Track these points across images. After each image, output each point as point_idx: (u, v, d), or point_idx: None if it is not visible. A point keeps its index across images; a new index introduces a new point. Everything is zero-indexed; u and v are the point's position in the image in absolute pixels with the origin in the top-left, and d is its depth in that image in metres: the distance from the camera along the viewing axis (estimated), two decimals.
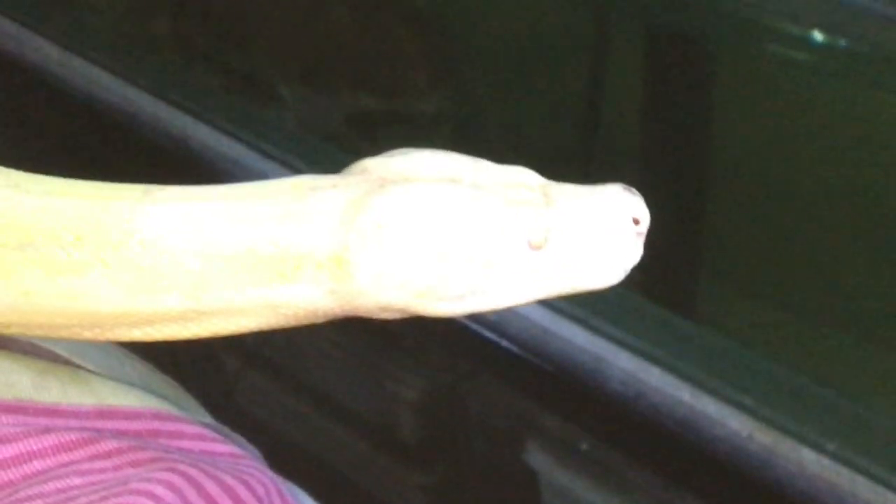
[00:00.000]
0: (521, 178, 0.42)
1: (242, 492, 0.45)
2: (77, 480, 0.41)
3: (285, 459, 0.53)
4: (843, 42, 0.78)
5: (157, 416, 0.48)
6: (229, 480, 0.45)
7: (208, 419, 0.53)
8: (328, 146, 1.09)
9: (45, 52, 1.22)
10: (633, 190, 0.42)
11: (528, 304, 0.42)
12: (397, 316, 0.42)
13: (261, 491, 0.46)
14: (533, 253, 0.41)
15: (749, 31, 0.85)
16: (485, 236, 0.40)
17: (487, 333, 0.93)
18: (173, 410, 0.49)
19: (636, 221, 0.41)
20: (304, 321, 0.42)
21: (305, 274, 0.40)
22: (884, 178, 0.87)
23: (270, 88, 1.21)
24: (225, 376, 1.18)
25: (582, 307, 0.90)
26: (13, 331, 0.43)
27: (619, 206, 0.41)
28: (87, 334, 0.42)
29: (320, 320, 0.42)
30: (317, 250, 0.40)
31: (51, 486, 0.41)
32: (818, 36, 0.78)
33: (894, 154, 0.86)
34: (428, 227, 0.40)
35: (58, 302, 0.40)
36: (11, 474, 0.41)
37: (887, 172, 0.86)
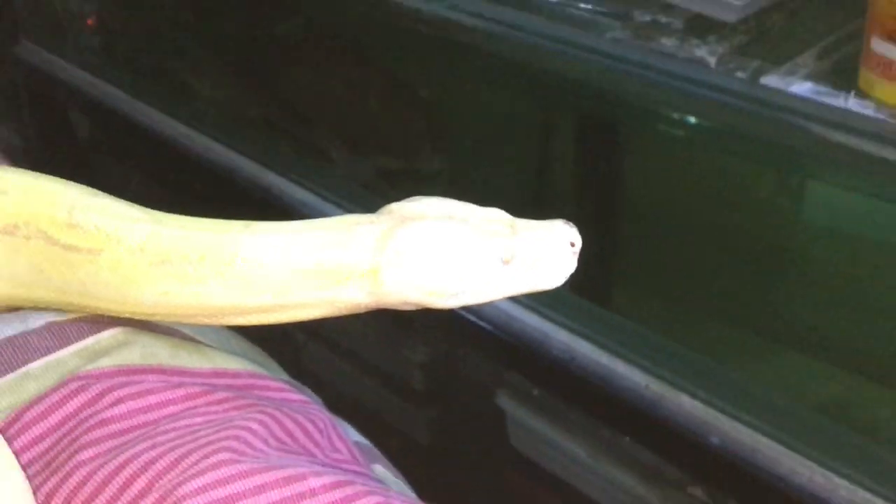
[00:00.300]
0: (496, 216, 0.43)
1: (309, 426, 0.45)
2: (199, 419, 0.41)
3: (334, 402, 0.53)
4: (705, 123, 0.79)
5: (252, 375, 0.48)
6: (301, 419, 0.45)
7: (285, 376, 0.53)
8: (365, 192, 1.10)
9: (174, 128, 1.23)
10: (571, 223, 0.42)
11: (501, 300, 0.43)
12: (413, 308, 0.42)
13: (321, 425, 0.46)
14: (504, 266, 0.41)
15: (645, 116, 0.85)
16: (471, 255, 0.41)
17: (470, 317, 0.93)
18: (262, 371, 0.49)
19: (572, 244, 0.42)
20: (352, 312, 0.42)
21: (352, 282, 0.41)
22: (737, 216, 0.87)
23: (325, 152, 1.21)
24: (294, 346, 1.18)
25: (534, 301, 0.90)
26: (157, 319, 0.43)
27: (561, 234, 0.42)
28: (207, 321, 0.43)
29: (362, 311, 0.42)
30: (359, 266, 0.40)
31: (181, 423, 0.41)
32: (691, 119, 0.78)
33: (733, 195, 0.85)
34: (434, 250, 0.40)
35: (188, 301, 0.41)
36: (154, 415, 0.42)
37: (741, 212, 0.86)
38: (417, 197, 0.43)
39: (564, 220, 0.42)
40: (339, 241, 0.41)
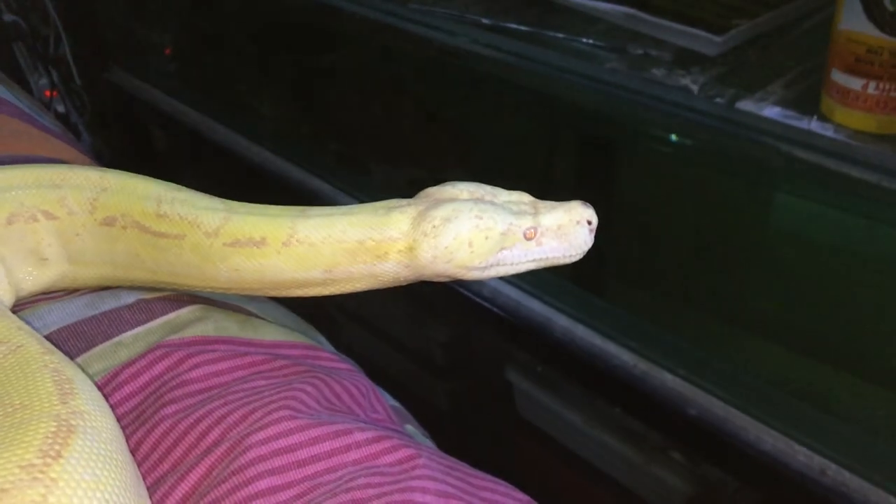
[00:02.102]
0: (520, 197, 0.42)
1: (354, 391, 0.45)
2: (262, 382, 0.42)
3: (368, 373, 0.53)
4: (688, 141, 0.78)
5: (306, 347, 0.48)
6: (347, 384, 0.45)
7: (332, 349, 0.53)
8: (397, 197, 1.09)
9: (239, 142, 1.23)
10: (588, 204, 0.42)
11: (525, 272, 0.41)
12: (447, 279, 0.41)
13: (363, 389, 0.47)
14: (528, 242, 0.40)
15: (637, 135, 0.84)
16: (497, 231, 0.40)
17: (485, 303, 0.91)
18: (314, 343, 0.49)
19: (589, 222, 0.41)
20: (393, 284, 0.42)
21: (392, 256, 0.40)
22: (714, 221, 0.86)
23: (364, 165, 1.21)
24: (337, 326, 1.18)
25: (539, 289, 0.89)
26: (232, 292, 0.44)
27: (579, 212, 0.41)
28: (273, 293, 0.43)
29: (402, 283, 0.42)
30: (398, 242, 0.40)
31: (248, 384, 0.41)
32: (674, 137, 0.78)
33: (711, 204, 0.84)
34: (463, 227, 0.39)
35: (254, 275, 0.41)
36: (225, 378, 0.42)
37: (717, 218, 0.85)
38: (452, 182, 0.43)
39: (582, 202, 0.41)
40: (379, 222, 0.40)
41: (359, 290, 0.42)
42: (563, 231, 0.40)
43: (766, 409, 0.74)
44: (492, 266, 0.40)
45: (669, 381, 0.78)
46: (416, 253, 0.39)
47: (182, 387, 0.41)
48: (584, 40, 0.85)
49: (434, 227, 0.39)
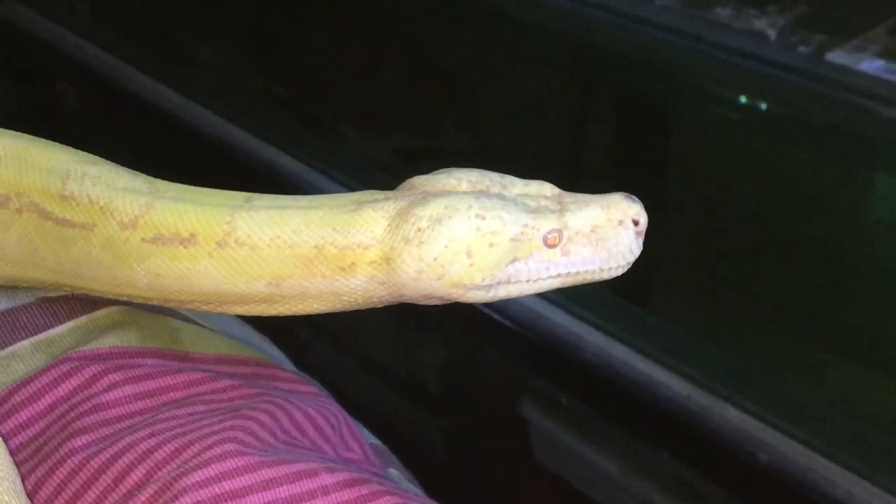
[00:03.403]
0: (540, 189, 0.40)
1: (321, 420, 0.46)
2: (202, 407, 0.42)
3: (342, 405, 0.52)
4: (763, 104, 0.78)
5: (258, 363, 0.48)
6: (311, 411, 0.46)
7: (293, 368, 0.54)
8: (380, 173, 1.09)
9: (170, 98, 1.23)
10: (634, 197, 0.40)
11: (547, 291, 0.40)
12: (438, 303, 0.40)
13: (333, 420, 0.47)
14: (550, 250, 0.38)
15: (694, 95, 0.85)
16: (506, 237, 0.38)
17: (493, 314, 0.92)
18: (270, 360, 0.50)
19: (636, 222, 0.39)
20: (365, 305, 0.41)
21: (361, 269, 0.39)
22: (795, 211, 0.87)
23: (337, 130, 1.21)
24: (299, 343, 1.18)
25: (564, 296, 0.89)
26: (154, 302, 0.44)
27: (622, 210, 0.39)
28: (204, 307, 0.43)
29: (377, 305, 0.41)
30: (369, 251, 0.38)
31: (182, 410, 0.42)
32: (743, 99, 0.78)
33: (791, 188, 0.85)
34: (459, 230, 0.38)
35: (179, 282, 0.40)
36: (153, 401, 0.42)
37: (799, 207, 0.86)
38: (448, 168, 0.41)
39: (625, 194, 0.40)
40: (345, 221, 0.39)
41: (316, 311, 0.41)
42: (600, 235, 0.39)
43: (861, 456, 0.74)
44: (500, 284, 0.39)
45: (735, 417, 0.79)
46: (394, 266, 0.38)
47: (96, 412, 0.41)
48: None
49: (420, 230, 0.38)
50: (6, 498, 0.32)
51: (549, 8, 0.85)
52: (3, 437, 0.40)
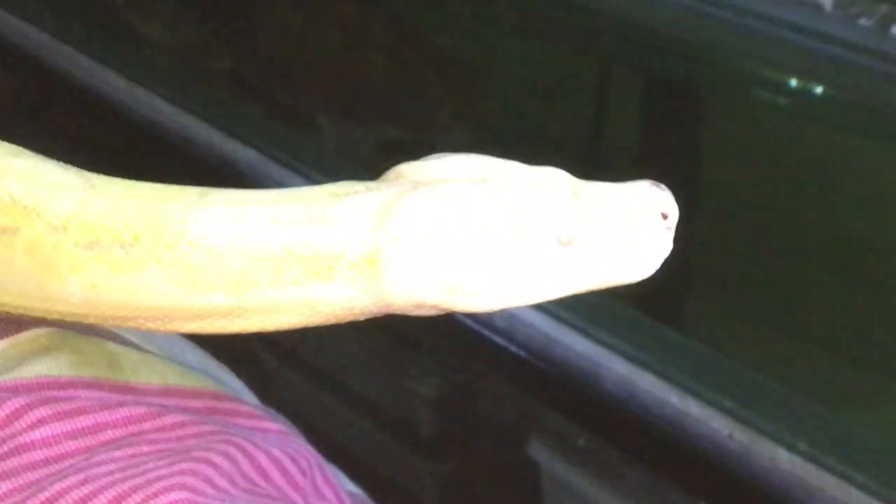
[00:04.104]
0: (551, 177, 0.39)
1: (288, 464, 0.45)
2: (146, 448, 0.41)
3: (316, 446, 0.51)
4: (818, 87, 0.78)
5: (214, 396, 0.47)
6: (277, 453, 0.45)
7: (255, 400, 0.53)
8: (360, 171, 1.09)
9: (114, 83, 1.22)
10: (662, 186, 0.39)
11: (560, 298, 0.39)
12: (432, 313, 0.39)
13: (304, 464, 0.46)
14: (563, 248, 0.38)
15: (736, 77, 0.84)
16: (512, 233, 0.37)
17: (497, 338, 0.91)
18: (228, 392, 0.49)
19: (665, 216, 0.38)
20: (344, 318, 0.40)
21: (339, 273, 0.38)
22: (853, 214, 0.86)
23: (311, 119, 1.21)
24: (264, 373, 1.18)
25: (581, 317, 0.89)
26: (90, 320, 0.42)
27: (648, 202, 0.38)
28: (150, 325, 0.41)
29: (359, 318, 0.40)
30: (348, 251, 0.37)
31: (122, 452, 0.41)
32: (794, 82, 0.77)
33: (853, 187, 0.85)
34: (455, 226, 0.37)
35: (120, 296, 0.39)
36: (88, 441, 0.41)
37: (858, 210, 0.85)
38: (441, 154, 0.40)
39: (652, 182, 0.39)
40: (320, 218, 0.38)
41: (287, 326, 0.40)
42: (623, 230, 0.38)
43: None
44: (504, 290, 0.38)
45: (785, 460, 0.79)
46: (379, 269, 0.37)
47: (20, 454, 0.40)
48: None
49: (410, 225, 0.37)
50: None
51: None
52: None
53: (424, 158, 0.40)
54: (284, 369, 1.19)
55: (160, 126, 1.17)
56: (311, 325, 0.40)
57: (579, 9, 0.88)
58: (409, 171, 0.40)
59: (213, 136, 1.13)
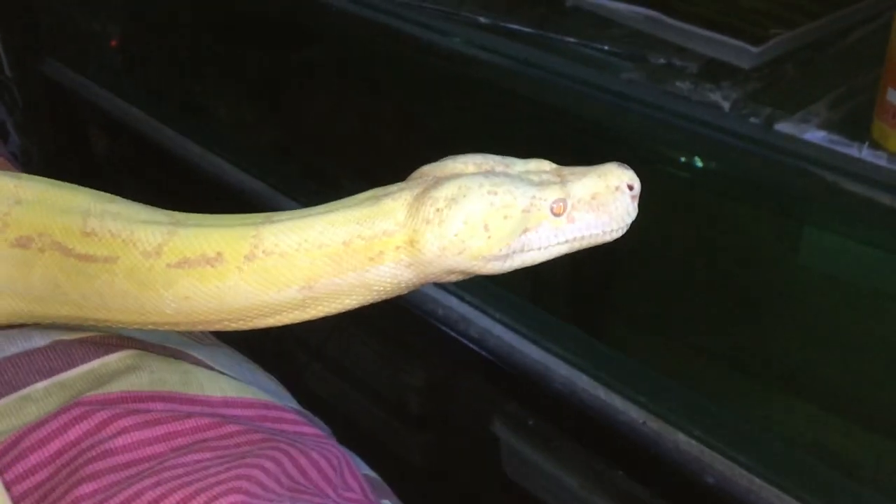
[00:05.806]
0: (540, 166, 0.38)
1: (323, 463, 0.40)
2: (208, 454, 0.37)
3: (331, 419, 0.49)
4: (716, 167, 0.75)
5: (265, 405, 0.43)
6: (314, 455, 0.40)
7: (296, 405, 0.48)
8: None
9: (190, 148, 1.19)
10: (626, 165, 0.38)
11: (557, 256, 0.38)
12: (461, 278, 0.37)
13: (335, 462, 0.42)
14: (557, 219, 0.37)
15: (654, 159, 0.82)
16: (518, 209, 0.36)
17: (471, 345, 0.88)
18: (275, 401, 0.44)
19: (630, 187, 0.37)
20: (394, 293, 0.37)
21: (388, 256, 0.36)
22: (740, 260, 0.83)
23: (335, 179, 1.19)
24: (297, 365, 1.15)
25: (537, 332, 0.86)
26: (181, 328, 0.39)
27: (617, 177, 0.37)
28: (234, 325, 0.38)
29: (404, 291, 0.37)
30: (393, 237, 0.36)
31: (189, 457, 0.36)
32: (699, 162, 0.75)
33: (748, 245, 0.82)
34: (474, 207, 0.35)
35: (209, 302, 0.36)
36: (160, 447, 0.37)
37: (744, 257, 0.82)
38: (452, 156, 0.39)
39: (618, 163, 0.38)
40: (367, 215, 0.36)
41: (349, 307, 0.37)
42: (600, 201, 0.37)
43: (798, 479, 0.70)
44: (515, 253, 0.36)
45: (684, 442, 0.75)
46: (418, 247, 0.35)
47: (104, 458, 0.35)
48: (598, 46, 0.83)
49: (438, 210, 0.35)
50: None
51: (530, 80, 0.84)
52: (9, 483, 0.34)
53: (440, 160, 0.39)
54: (314, 364, 1.15)
55: (223, 181, 1.14)
56: (368, 303, 0.37)
57: (541, 104, 0.84)
58: (429, 169, 0.38)
59: (262, 189, 1.10)
